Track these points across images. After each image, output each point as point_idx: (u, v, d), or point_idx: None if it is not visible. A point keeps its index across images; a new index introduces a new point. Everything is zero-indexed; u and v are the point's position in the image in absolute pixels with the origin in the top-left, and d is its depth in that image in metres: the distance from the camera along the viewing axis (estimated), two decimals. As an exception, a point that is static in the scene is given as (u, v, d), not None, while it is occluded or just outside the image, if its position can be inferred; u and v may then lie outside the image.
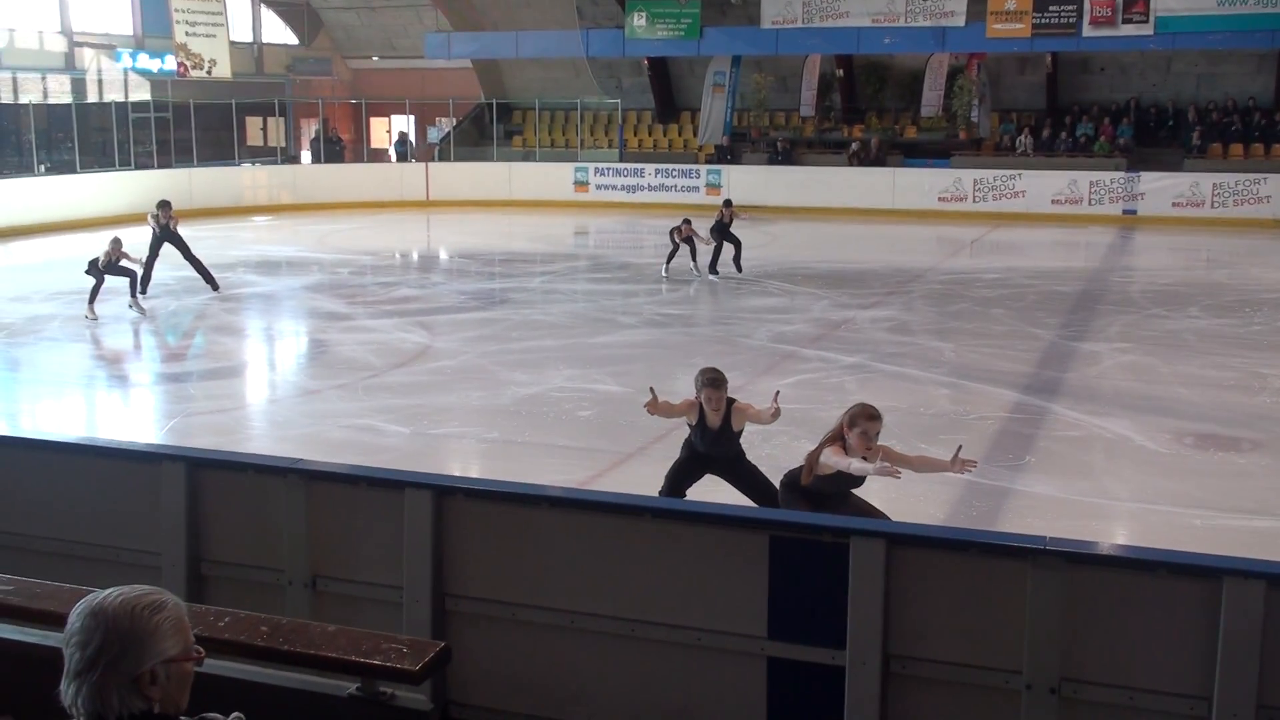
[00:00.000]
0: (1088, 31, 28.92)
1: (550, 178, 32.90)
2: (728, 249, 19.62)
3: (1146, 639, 4.21)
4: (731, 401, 7.41)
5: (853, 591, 4.38)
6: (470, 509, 4.91)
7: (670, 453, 7.78)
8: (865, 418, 6.52)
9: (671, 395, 7.64)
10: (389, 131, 39.76)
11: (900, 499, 8.07)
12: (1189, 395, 11.76)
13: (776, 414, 7.17)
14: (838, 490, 6.67)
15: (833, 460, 6.43)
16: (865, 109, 33.89)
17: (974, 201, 29.51)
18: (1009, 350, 13.86)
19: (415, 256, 25.47)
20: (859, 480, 6.60)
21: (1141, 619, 4.22)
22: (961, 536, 4.86)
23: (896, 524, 5.79)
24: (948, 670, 4.39)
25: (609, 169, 32.89)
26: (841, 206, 29.96)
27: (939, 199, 29.76)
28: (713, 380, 7.37)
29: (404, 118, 39.07)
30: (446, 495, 4.91)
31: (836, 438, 6.54)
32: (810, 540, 4.53)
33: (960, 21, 29.68)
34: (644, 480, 7.96)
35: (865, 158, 31.23)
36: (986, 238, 26.34)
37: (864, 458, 6.44)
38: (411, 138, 38.45)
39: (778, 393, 7.36)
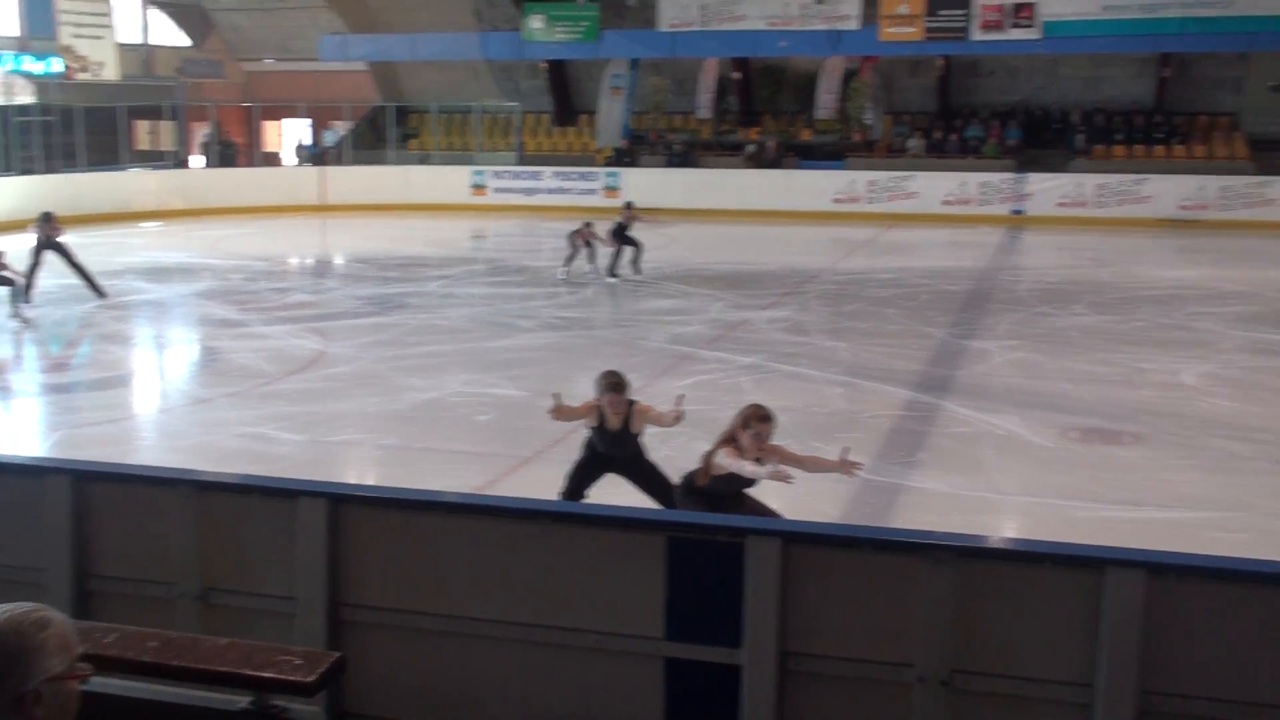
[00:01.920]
0: (977, 35, 29.53)
1: (448, 181, 32.70)
2: (627, 251, 19.68)
3: (1033, 629, 4.31)
4: (632, 403, 7.45)
5: (749, 590, 4.43)
6: (366, 517, 4.87)
7: (569, 455, 7.79)
8: (758, 419, 6.60)
9: (571, 399, 7.64)
10: (282, 135, 39.23)
11: (796, 498, 8.16)
12: (1074, 391, 12.06)
13: (679, 417, 7.22)
14: (732, 491, 6.73)
15: (726, 462, 6.49)
16: (762, 111, 34.24)
17: (868, 203, 29.97)
18: (902, 349, 14.09)
19: (310, 261, 25.15)
20: (753, 481, 6.68)
21: (1029, 610, 4.32)
22: (855, 533, 4.93)
23: (791, 523, 5.86)
24: (842, 666, 4.45)
25: (507, 172, 32.80)
26: (739, 208, 30.23)
27: (834, 200, 30.17)
28: (613, 385, 7.40)
29: (299, 121, 38.55)
30: (341, 503, 4.86)
31: (730, 439, 6.61)
32: (707, 540, 4.57)
33: (854, 25, 30.11)
34: (543, 484, 7.95)
35: (762, 160, 31.54)
36: (879, 238, 26.74)
37: (757, 459, 6.52)
38: (309, 140, 37.95)
39: (681, 396, 7.42)
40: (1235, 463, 9.60)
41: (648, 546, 4.57)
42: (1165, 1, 27.95)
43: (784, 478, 6.32)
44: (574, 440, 7.93)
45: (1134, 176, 28.79)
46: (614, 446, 7.44)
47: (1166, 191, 28.39)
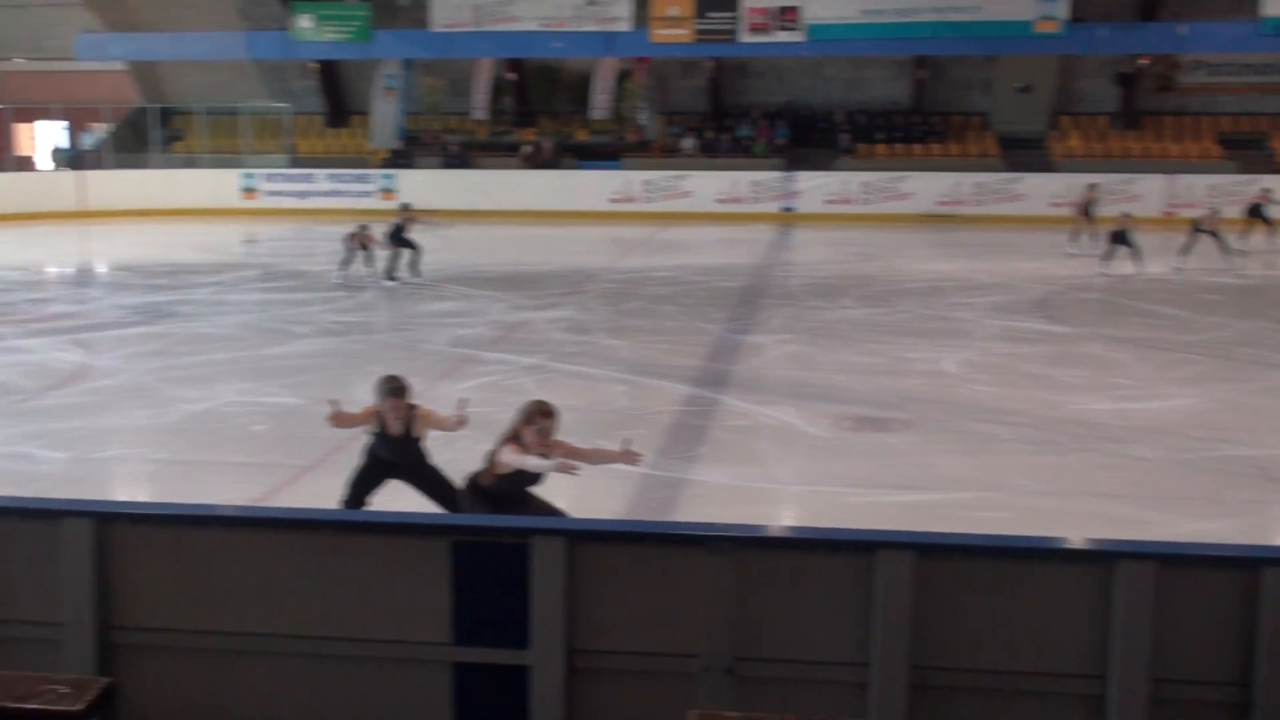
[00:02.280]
0: (745, 38, 30.23)
1: (217, 185, 31.66)
2: (404, 254, 19.45)
3: (811, 614, 4.46)
4: (413, 408, 7.37)
5: (535, 591, 4.45)
6: (136, 535, 4.70)
7: (350, 463, 7.66)
8: (541, 414, 6.63)
9: (351, 405, 7.52)
10: (35, 138, 37.24)
11: (580, 496, 8.22)
12: (845, 381, 12.51)
13: (462, 421, 7.18)
14: (518, 489, 6.74)
15: (511, 459, 6.50)
16: (537, 112, 34.30)
17: (644, 202, 30.39)
18: (680, 345, 14.35)
19: (70, 270, 23.97)
20: (537, 478, 6.70)
21: (806, 595, 4.47)
22: (638, 529, 5.02)
23: (575, 521, 5.92)
24: (629, 660, 4.52)
25: (279, 175, 31.97)
26: (517, 209, 30.23)
27: (610, 200, 30.48)
28: (394, 389, 7.31)
29: (54, 123, 36.65)
30: (109, 522, 4.67)
31: (514, 436, 6.61)
32: (491, 543, 4.58)
33: (626, 26, 30.43)
34: (324, 493, 7.80)
35: (539, 160, 31.60)
36: (656, 237, 27.14)
37: (542, 454, 6.55)
38: (66, 144, 36.12)
39: (464, 400, 7.39)
40: (995, 445, 10.12)
41: (431, 552, 4.55)
42: (919, 6, 29.20)
43: (570, 469, 6.37)
44: (355, 448, 7.80)
45: (895, 174, 30.04)
46: (396, 452, 7.35)
47: (925, 188, 29.71)
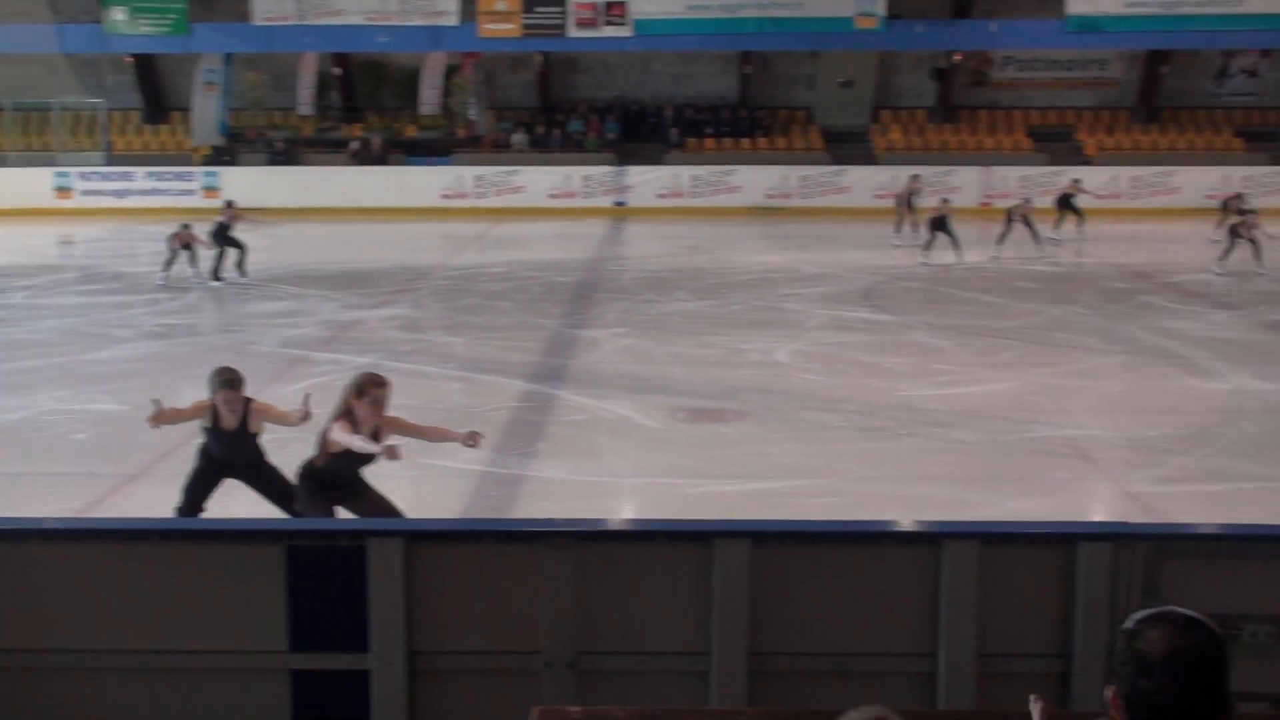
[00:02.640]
0: (573, 32, 30.29)
1: (27, 184, 30.32)
2: (230, 253, 18.97)
3: (652, 605, 4.52)
4: (249, 401, 7.19)
5: (373, 593, 4.41)
6: None
7: (180, 469, 7.46)
8: (373, 385, 6.52)
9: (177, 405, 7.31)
10: None
11: (417, 495, 8.17)
12: (680, 373, 12.67)
13: (306, 417, 7.03)
14: (351, 470, 6.63)
15: (340, 437, 6.37)
16: (365, 107, 33.75)
17: (476, 198, 30.20)
18: (516, 341, 14.33)
19: None
20: (370, 458, 6.59)
21: (646, 587, 4.53)
22: (476, 527, 5.02)
23: (413, 521, 5.88)
24: (471, 659, 4.51)
25: (95, 173, 30.81)
26: (346, 206, 29.70)
27: (442, 196, 30.21)
28: (228, 381, 7.11)
29: None
30: None
31: (346, 411, 6.48)
32: (327, 546, 4.52)
33: (453, 21, 30.16)
34: (153, 501, 7.58)
35: (367, 157, 31.13)
36: (490, 233, 27.01)
37: (376, 430, 6.45)
38: None
39: (308, 395, 7.24)
40: (825, 432, 10.37)
41: (265, 558, 4.47)
42: (744, 2, 29.67)
43: (395, 455, 6.29)
44: (184, 454, 7.60)
45: (724, 168, 30.48)
46: (231, 449, 7.16)
47: (754, 181, 30.20)
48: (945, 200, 21.62)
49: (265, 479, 7.26)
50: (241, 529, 4.75)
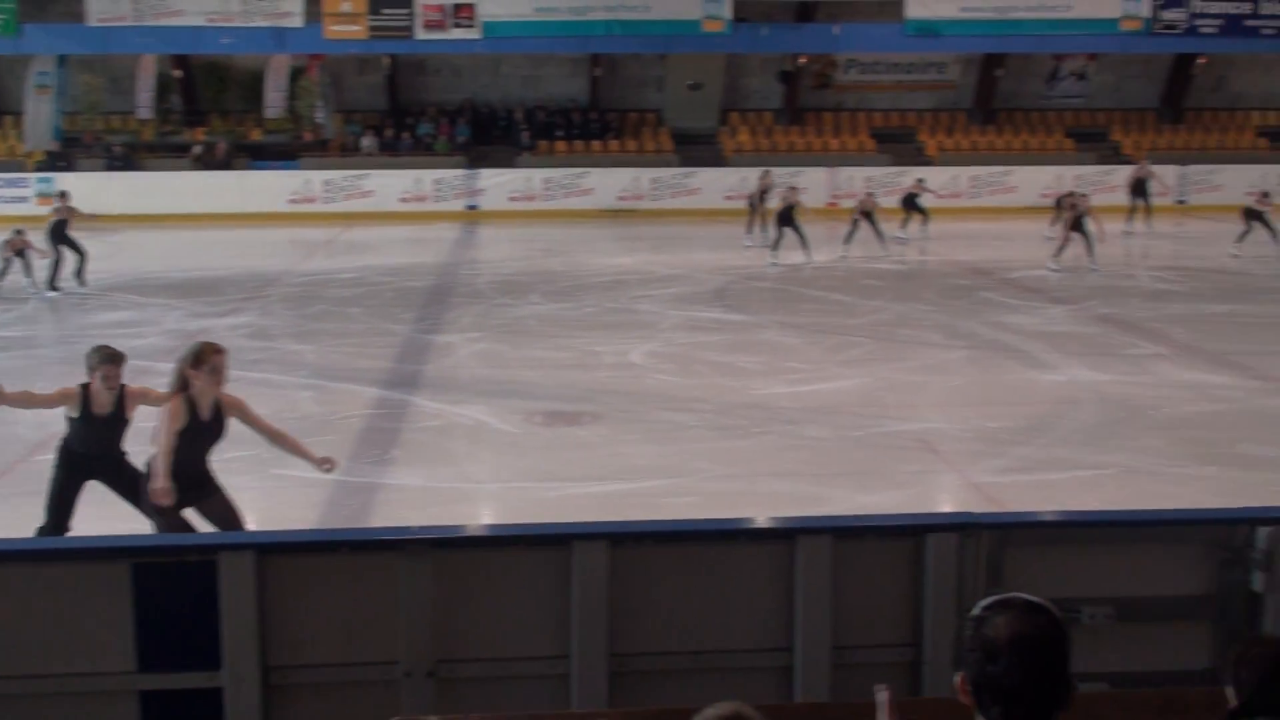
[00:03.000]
0: (421, 35, 30.00)
1: None
2: (69, 260, 18.35)
3: (511, 610, 4.51)
4: (124, 386, 6.89)
5: (224, 609, 4.31)
6: None
7: (19, 488, 7.17)
8: (213, 352, 6.29)
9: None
10: None
11: (269, 507, 8.02)
12: (535, 377, 12.65)
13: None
14: (200, 467, 6.41)
15: (166, 425, 6.13)
16: (208, 111, 32.90)
17: (324, 202, 29.70)
18: (369, 348, 14.14)
19: None
20: (215, 437, 6.38)
21: (505, 592, 4.52)
22: (331, 537, 4.94)
23: (264, 533, 5.76)
24: (329, 672, 4.44)
25: (-82, 180, 29.43)
26: (190, 212, 28.93)
27: (289, 201, 29.64)
28: (110, 355, 6.80)
29: None
30: None
31: (181, 386, 6.24)
32: (175, 563, 4.41)
33: (298, 22, 29.61)
34: (-9, 522, 7.27)
35: (211, 161, 30.37)
36: (340, 238, 26.60)
37: (218, 405, 6.29)
38: None
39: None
40: (680, 432, 10.47)
41: (110, 576, 4.34)
42: (592, 5, 29.76)
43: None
44: (25, 472, 7.32)
45: (576, 170, 30.53)
46: (100, 439, 6.77)
47: (605, 184, 30.32)
48: (793, 189, 21.89)
49: (128, 479, 6.89)
50: (84, 547, 4.61)
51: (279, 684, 4.39)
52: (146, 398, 6.90)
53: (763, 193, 24.65)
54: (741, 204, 25.94)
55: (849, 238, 22.04)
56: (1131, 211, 25.99)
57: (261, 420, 6.60)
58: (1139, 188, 26.20)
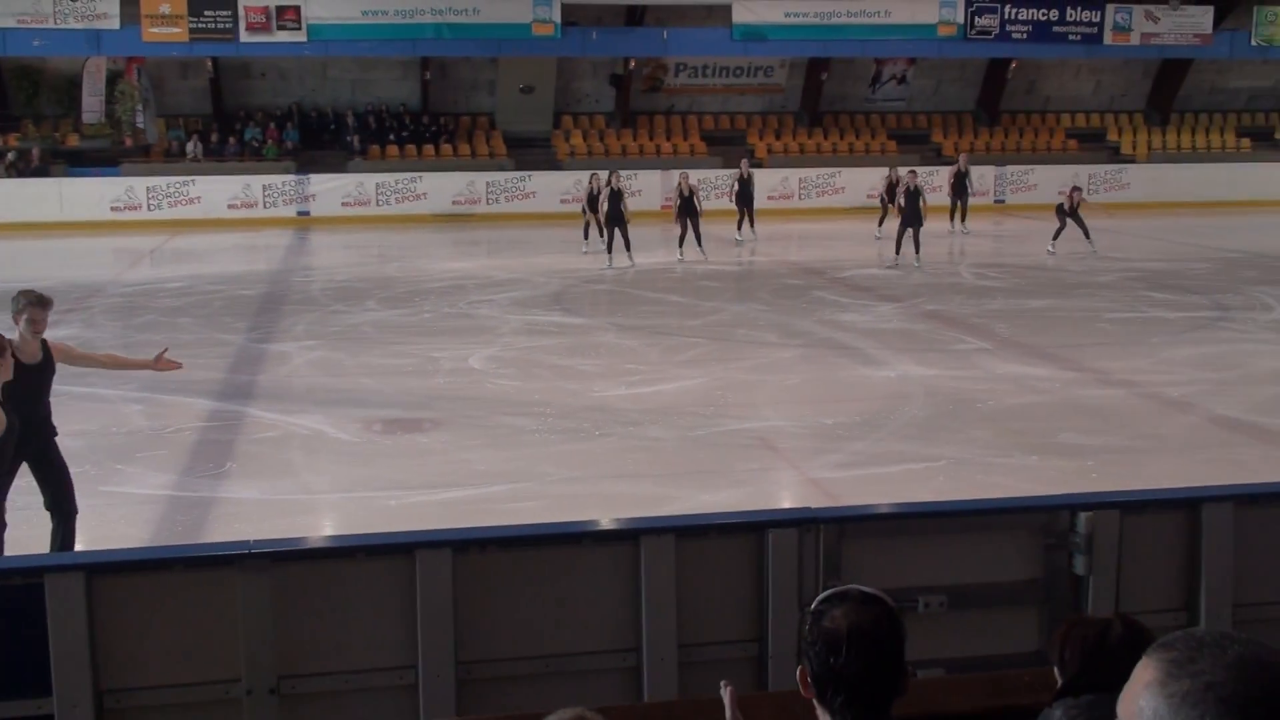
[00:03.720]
0: (245, 37, 29.38)
1: None
2: None
3: (356, 621, 4.46)
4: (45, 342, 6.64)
5: (53, 632, 4.16)
6: None
7: None
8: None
9: None
10: None
11: (100, 523, 7.76)
12: (374, 384, 12.48)
13: (120, 363, 6.66)
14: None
15: None
16: (20, 115, 31.56)
17: (149, 210, 28.78)
18: (200, 358, 13.73)
19: None
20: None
21: (349, 603, 4.45)
22: (164, 554, 4.81)
23: (94, 553, 5.58)
24: (168, 694, 4.33)
25: None
26: (5, 221, 27.70)
27: (111, 209, 28.64)
28: (40, 299, 6.49)
29: None
30: None
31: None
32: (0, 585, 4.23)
33: (114, 24, 28.70)
34: None
35: (25, 168, 29.15)
36: (166, 246, 25.81)
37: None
38: None
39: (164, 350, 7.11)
40: (522, 436, 10.46)
41: None
42: (420, 8, 29.52)
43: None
44: None
45: (409, 175, 30.20)
46: (31, 396, 6.31)
47: (440, 188, 30.06)
48: (615, 173, 21.91)
49: (56, 466, 6.57)
50: (-103, 574, 4.39)
51: (114, 708, 4.26)
52: (71, 353, 6.81)
53: (595, 196, 24.52)
54: (577, 207, 25.95)
55: (682, 240, 22.13)
56: (953, 211, 26.78)
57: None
58: (959, 185, 26.92)
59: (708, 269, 21.10)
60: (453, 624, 4.41)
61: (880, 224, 25.41)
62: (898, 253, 21.08)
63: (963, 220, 26.44)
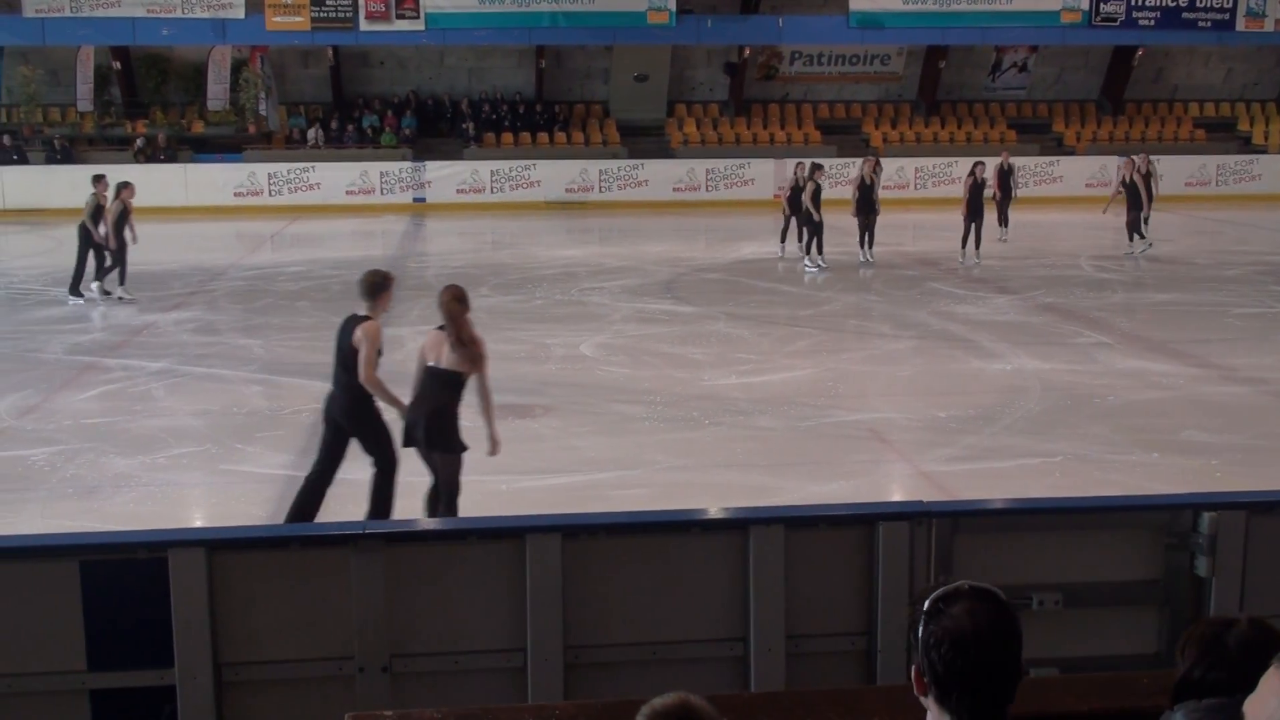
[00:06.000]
0: (365, 26, 29.85)
1: None
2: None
3: (466, 603, 4.51)
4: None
5: (175, 605, 4.28)
6: None
7: None
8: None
9: None
10: None
11: (220, 502, 7.96)
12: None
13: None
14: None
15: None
16: (148, 103, 32.49)
17: (270, 195, 29.41)
18: (317, 342, 13.97)
19: None
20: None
21: (459, 586, 4.51)
22: (281, 533, 4.92)
23: (215, 529, 5.72)
24: (282, 669, 4.42)
25: None
26: (133, 205, 28.51)
27: (234, 194, 29.33)
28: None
29: None
30: None
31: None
32: (124, 560, 4.36)
33: (240, 14, 29.35)
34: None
35: (153, 154, 30.00)
36: (286, 231, 26.36)
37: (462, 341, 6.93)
38: None
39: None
40: (632, 423, 10.48)
41: (59, 574, 4.30)
42: (537, -3, 29.78)
43: None
44: None
45: (523, 162, 30.42)
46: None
47: (553, 176, 30.23)
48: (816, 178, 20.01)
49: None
50: (32, 545, 4.55)
51: (231, 681, 4.37)
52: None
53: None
54: (689, 196, 25.77)
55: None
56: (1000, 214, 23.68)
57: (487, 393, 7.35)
58: (1004, 183, 23.54)
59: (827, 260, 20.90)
60: (561, 608, 4.44)
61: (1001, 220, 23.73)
62: (966, 246, 20.25)
63: (1005, 224, 23.18)
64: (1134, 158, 22.28)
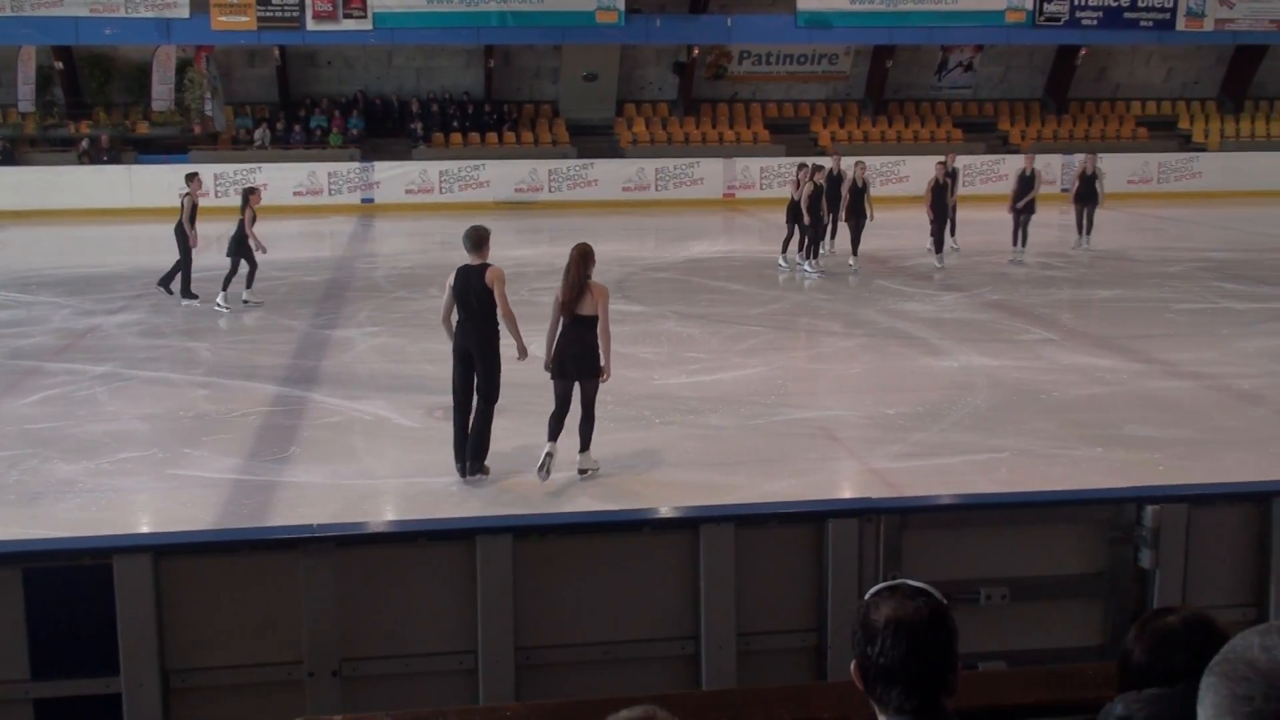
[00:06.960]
0: (312, 25, 29.66)
1: None
2: None
3: (417, 606, 4.49)
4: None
5: (121, 612, 4.23)
6: None
7: None
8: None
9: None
10: None
11: (167, 507, 7.89)
12: (437, 370, 12.47)
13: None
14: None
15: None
16: (92, 104, 32.08)
17: (216, 196, 29.07)
18: (265, 344, 13.93)
19: None
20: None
21: (410, 588, 4.49)
22: (229, 537, 4.87)
23: (161, 535, 5.66)
24: (231, 675, 4.38)
25: None
26: (76, 207, 28.20)
27: (179, 195, 28.92)
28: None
29: None
30: None
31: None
32: (68, 567, 4.31)
33: (184, 13, 29.07)
34: None
35: (97, 155, 29.63)
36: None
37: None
38: None
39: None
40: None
41: (1, 583, 4.23)
42: (485, -4, 29.69)
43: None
44: None
45: (472, 162, 30.32)
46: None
47: (503, 176, 30.16)
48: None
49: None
50: (-28, 554, 4.48)
51: (179, 688, 4.33)
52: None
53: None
54: (638, 195, 25.83)
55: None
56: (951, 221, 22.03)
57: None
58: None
59: (770, 258, 20.98)
60: (512, 609, 4.43)
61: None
62: (943, 249, 20.15)
63: (952, 232, 21.56)
64: (1084, 157, 22.51)
